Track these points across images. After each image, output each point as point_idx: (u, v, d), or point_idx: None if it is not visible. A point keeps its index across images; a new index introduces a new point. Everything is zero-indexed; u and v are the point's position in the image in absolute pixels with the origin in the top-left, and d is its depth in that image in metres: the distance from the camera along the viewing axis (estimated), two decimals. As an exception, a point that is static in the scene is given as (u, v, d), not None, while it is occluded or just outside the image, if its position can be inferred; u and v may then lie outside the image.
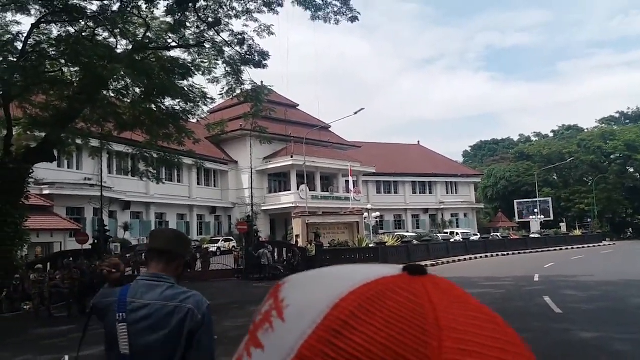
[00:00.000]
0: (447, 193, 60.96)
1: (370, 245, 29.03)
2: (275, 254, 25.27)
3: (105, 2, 16.55)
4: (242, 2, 17.83)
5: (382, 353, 0.34)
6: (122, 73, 15.87)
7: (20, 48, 16.08)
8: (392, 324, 0.35)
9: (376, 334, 0.35)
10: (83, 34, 16.98)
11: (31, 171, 17.79)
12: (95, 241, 22.28)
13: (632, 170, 70.73)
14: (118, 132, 19.14)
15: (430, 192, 59.95)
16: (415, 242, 33.64)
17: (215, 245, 35.11)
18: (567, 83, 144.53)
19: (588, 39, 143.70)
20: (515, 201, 64.15)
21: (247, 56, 18.99)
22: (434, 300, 0.38)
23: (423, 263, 28.12)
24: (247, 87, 19.97)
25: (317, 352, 0.36)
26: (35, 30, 16.50)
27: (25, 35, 16.24)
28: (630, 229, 68.90)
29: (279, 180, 46.89)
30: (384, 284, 0.39)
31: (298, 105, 53.46)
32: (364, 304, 0.37)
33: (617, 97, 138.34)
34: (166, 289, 2.04)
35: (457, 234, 46.86)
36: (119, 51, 17.29)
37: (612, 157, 70.63)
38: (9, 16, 16.55)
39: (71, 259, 19.10)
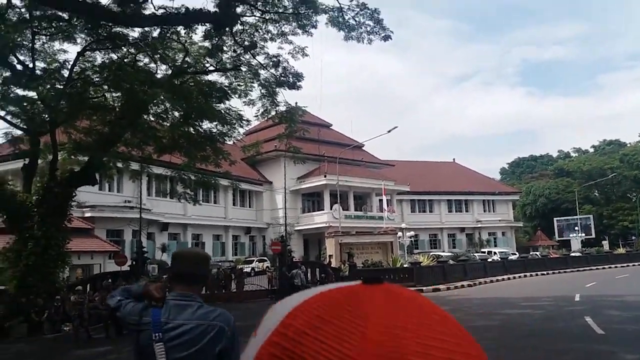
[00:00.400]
0: (484, 211, 59.86)
1: (405, 265, 28.73)
2: (309, 274, 25.28)
3: (146, 29, 17.26)
4: (277, 25, 18.26)
5: (325, 352, 0.39)
6: (162, 97, 16.47)
7: (66, 75, 16.90)
8: (336, 325, 0.41)
9: (319, 334, 0.40)
10: (125, 60, 17.73)
11: (74, 194, 18.44)
12: (134, 262, 22.78)
13: (678, 185, 68.16)
14: (157, 155, 19.73)
15: (466, 211, 59.01)
16: (451, 262, 33.08)
17: (250, 265, 35.32)
18: (607, 96, 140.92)
19: (628, 50, 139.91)
20: (555, 219, 62.50)
21: (282, 78, 19.35)
22: (379, 304, 0.43)
23: (459, 284, 27.75)
24: (282, 108, 20.32)
25: (268, 354, 0.41)
26: (80, 58, 17.34)
27: (71, 63, 17.09)
28: None
29: (312, 200, 47.12)
30: (338, 291, 0.44)
31: (331, 125, 53.86)
32: (312, 308, 0.43)
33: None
34: (197, 309, 2.17)
35: (495, 253, 45.88)
36: (158, 76, 17.95)
37: (657, 172, 68.25)
38: (57, 45, 17.48)
39: (110, 280, 19.55)
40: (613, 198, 68.95)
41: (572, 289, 21.83)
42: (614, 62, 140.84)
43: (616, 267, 41.02)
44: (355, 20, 17.48)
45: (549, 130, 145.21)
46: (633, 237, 63.40)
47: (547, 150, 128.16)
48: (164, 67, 18.80)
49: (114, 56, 17.83)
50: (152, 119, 18.55)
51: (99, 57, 18.05)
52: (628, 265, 42.26)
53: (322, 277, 24.64)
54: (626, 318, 13.08)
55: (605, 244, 56.60)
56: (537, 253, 49.70)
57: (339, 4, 16.90)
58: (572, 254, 46.48)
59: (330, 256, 29.27)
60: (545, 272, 36.21)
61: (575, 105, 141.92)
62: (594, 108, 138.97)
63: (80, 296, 16.14)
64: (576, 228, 58.39)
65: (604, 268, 40.14)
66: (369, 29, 17.55)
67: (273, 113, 20.54)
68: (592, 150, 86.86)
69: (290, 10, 17.52)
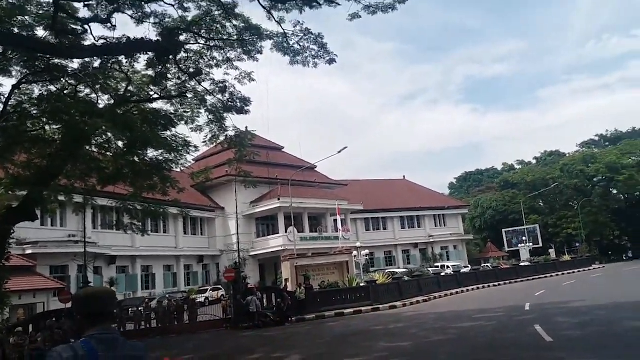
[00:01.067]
0: (436, 226, 61.17)
1: (361, 284, 28.81)
2: (265, 300, 24.92)
3: (86, 60, 16.84)
4: (222, 51, 18.21)
5: None
6: (104, 127, 16.00)
7: (0, 109, 16.17)
8: None
9: None
10: (64, 91, 17.17)
11: (12, 231, 17.53)
12: (79, 299, 21.76)
13: (615, 191, 71.85)
14: (101, 186, 19.09)
15: (419, 226, 60.11)
16: (406, 278, 33.44)
17: (204, 295, 34.51)
18: (547, 109, 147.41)
19: (564, 65, 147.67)
20: (504, 230, 64.50)
21: (229, 103, 19.19)
22: None
23: (415, 299, 28.09)
24: (231, 133, 20.14)
25: None
26: (16, 91, 16.66)
27: (6, 96, 16.39)
28: (618, 251, 69.48)
29: (267, 224, 46.77)
30: None
31: (283, 147, 53.97)
32: None
33: (596, 121, 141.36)
34: (122, 342, 2.28)
35: (448, 267, 46.76)
36: (100, 106, 17.46)
37: (595, 179, 71.76)
38: (-10, 79, 16.78)
39: (54, 319, 18.66)
40: (557, 207, 71.91)
41: (523, 299, 22.49)
42: (552, 76, 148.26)
43: (563, 274, 42.65)
44: (300, 45, 17.63)
45: (494, 144, 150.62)
46: (577, 244, 66.15)
47: (492, 163, 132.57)
48: (106, 97, 18.35)
49: (53, 88, 17.25)
50: (94, 149, 18.00)
51: (37, 90, 17.41)
52: (574, 272, 44.05)
53: (279, 302, 24.33)
54: (573, 324, 13.52)
55: (552, 252, 58.82)
56: (489, 264, 51.06)
57: (283, 29, 17.07)
58: (522, 264, 47.98)
59: (286, 280, 28.97)
60: (497, 283, 37.19)
61: (516, 119, 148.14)
62: (534, 121, 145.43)
63: (20, 338, 15.37)
64: (524, 238, 60.44)
65: (552, 276, 41.66)
66: (313, 53, 17.72)
67: (222, 138, 20.31)
68: (534, 161, 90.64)
69: (235, 37, 17.52)
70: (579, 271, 44.92)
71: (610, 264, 57.92)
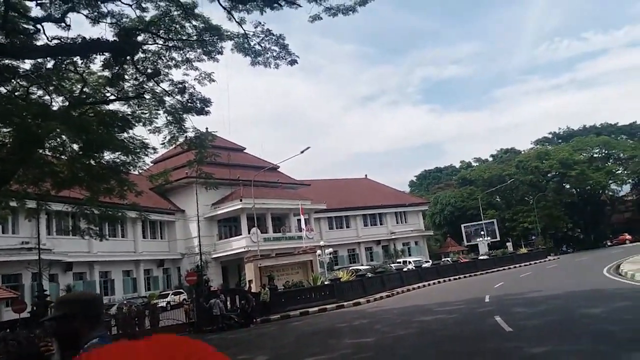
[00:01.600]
0: (397, 223, 62.05)
1: (326, 283, 28.94)
2: (229, 303, 24.70)
3: (39, 61, 16.29)
4: (181, 52, 17.94)
5: None
6: (58, 130, 15.51)
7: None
8: None
9: None
10: (16, 93, 16.56)
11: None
12: (34, 308, 21.08)
13: (568, 186, 74.48)
14: (56, 190, 18.49)
15: (380, 224, 60.83)
16: (369, 274, 33.78)
17: (165, 299, 33.96)
18: (502, 109, 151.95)
19: (518, 66, 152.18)
20: (462, 225, 65.94)
21: (189, 104, 18.93)
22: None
23: (379, 295, 28.42)
24: (191, 134, 19.85)
25: None
26: (-38, 94, 15.95)
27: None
28: (570, 243, 72.17)
29: (229, 226, 46.29)
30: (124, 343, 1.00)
31: (245, 148, 53.58)
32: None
33: (549, 120, 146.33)
34: None
35: (410, 262, 47.55)
36: (54, 108, 16.90)
37: (549, 175, 74.11)
38: None
39: (8, 330, 17.97)
40: (513, 202, 74.02)
41: (482, 291, 23.08)
42: (507, 77, 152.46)
43: (520, 266, 43.97)
44: (261, 46, 17.58)
45: (452, 143, 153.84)
46: (533, 237, 68.31)
47: (450, 161, 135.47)
48: (60, 98, 17.78)
49: (3, 89, 16.59)
50: (48, 153, 17.41)
51: (-15, 92, 16.70)
52: (530, 264, 45.47)
53: (243, 304, 24.15)
54: (531, 314, 13.97)
55: (510, 245, 60.58)
56: (449, 259, 52.18)
57: (244, 30, 16.96)
58: (481, 257, 49.20)
59: (250, 281, 28.80)
60: (457, 277, 38.01)
61: (473, 118, 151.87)
62: (491, 120, 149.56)
63: (-28, 352, 14.62)
64: (482, 232, 61.99)
65: (509, 268, 42.87)
66: (275, 54, 17.70)
67: (181, 140, 20.01)
68: (491, 159, 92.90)
69: (195, 37, 17.30)
70: (535, 263, 46.39)
71: (564, 255, 60.07)
